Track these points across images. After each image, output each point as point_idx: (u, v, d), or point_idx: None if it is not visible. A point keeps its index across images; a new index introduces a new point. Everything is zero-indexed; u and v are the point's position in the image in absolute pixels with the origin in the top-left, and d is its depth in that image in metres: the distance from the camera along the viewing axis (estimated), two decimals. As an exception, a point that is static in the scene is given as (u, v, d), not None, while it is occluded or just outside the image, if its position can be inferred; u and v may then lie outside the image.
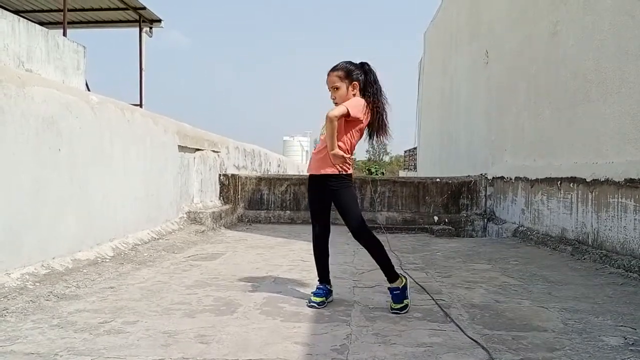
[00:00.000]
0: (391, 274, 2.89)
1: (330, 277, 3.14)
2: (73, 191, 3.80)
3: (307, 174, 3.07)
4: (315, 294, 2.96)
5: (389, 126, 3.02)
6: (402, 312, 2.78)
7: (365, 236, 2.92)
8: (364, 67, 2.96)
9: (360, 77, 2.93)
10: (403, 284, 2.87)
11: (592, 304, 3.02)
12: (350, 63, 2.95)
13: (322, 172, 2.91)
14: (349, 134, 2.90)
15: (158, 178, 5.42)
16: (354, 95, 2.92)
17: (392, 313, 2.78)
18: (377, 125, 2.99)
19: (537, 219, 5.81)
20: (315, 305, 2.87)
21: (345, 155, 2.84)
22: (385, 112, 2.99)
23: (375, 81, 2.95)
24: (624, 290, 3.37)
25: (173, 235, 5.41)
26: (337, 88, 2.92)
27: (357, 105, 2.84)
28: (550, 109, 5.71)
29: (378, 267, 2.95)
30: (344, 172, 2.89)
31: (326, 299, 2.96)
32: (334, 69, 2.95)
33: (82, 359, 2.07)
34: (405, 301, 2.84)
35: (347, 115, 2.79)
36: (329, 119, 2.75)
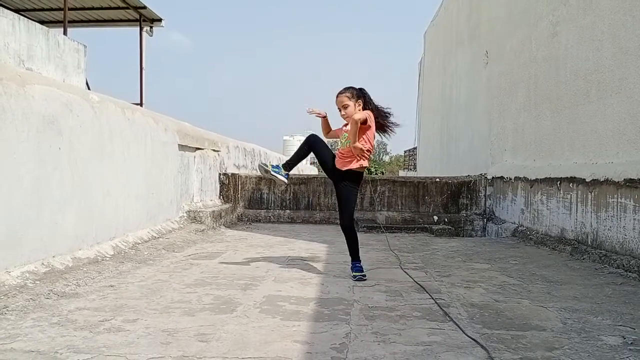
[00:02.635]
0: (356, 254, 3.74)
1: (331, 277, 3.72)
2: (73, 190, 3.81)
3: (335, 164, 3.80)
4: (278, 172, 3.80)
5: (394, 122, 3.91)
6: (364, 278, 3.57)
7: (349, 229, 3.75)
8: (362, 90, 3.78)
9: (361, 97, 3.74)
10: (361, 261, 3.76)
11: (591, 304, 3.02)
12: (353, 87, 3.76)
13: (346, 168, 3.69)
14: (365, 136, 3.68)
15: (158, 177, 5.43)
16: (359, 110, 3.69)
17: (355, 280, 3.56)
18: (385, 124, 3.85)
19: (537, 219, 5.81)
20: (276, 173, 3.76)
21: (363, 147, 3.63)
22: (388, 114, 3.86)
23: (371, 100, 3.80)
24: (623, 290, 3.38)
25: (173, 234, 5.42)
26: (347, 106, 3.69)
27: (369, 115, 3.65)
28: (550, 109, 5.72)
29: (377, 266, 3.80)
30: (361, 169, 3.71)
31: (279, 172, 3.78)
32: (343, 91, 3.73)
33: (82, 356, 2.07)
34: (363, 271, 3.67)
35: (365, 122, 3.60)
36: (354, 121, 3.54)
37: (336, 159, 3.78)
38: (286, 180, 3.84)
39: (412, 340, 2.33)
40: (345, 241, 3.81)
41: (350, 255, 3.77)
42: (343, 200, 3.76)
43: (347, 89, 3.75)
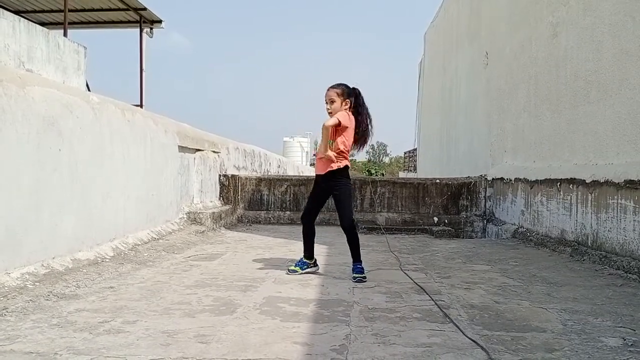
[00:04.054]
0: (358, 256, 3.73)
1: (330, 278, 3.72)
2: (73, 191, 3.81)
3: (315, 174, 3.91)
4: (296, 264, 3.87)
5: (371, 133, 3.89)
6: (364, 280, 3.58)
7: (350, 229, 3.75)
8: (355, 91, 3.78)
9: (351, 97, 3.74)
10: (362, 263, 3.75)
11: (591, 305, 3.02)
12: (346, 85, 3.76)
13: (328, 169, 3.72)
14: (342, 137, 3.70)
15: (158, 178, 5.43)
16: (345, 109, 3.71)
17: (355, 281, 3.56)
18: (362, 133, 3.82)
19: (537, 220, 5.81)
20: (289, 272, 3.81)
21: (332, 155, 3.66)
22: (371, 125, 3.85)
23: (363, 103, 3.80)
24: (623, 292, 3.37)
25: (173, 235, 5.41)
26: (333, 101, 3.69)
27: (343, 116, 3.65)
28: (550, 110, 5.72)
29: (377, 268, 3.88)
30: (340, 166, 3.72)
31: (301, 269, 3.82)
32: (334, 86, 3.73)
33: (81, 358, 2.07)
34: (364, 273, 3.67)
35: (338, 124, 3.62)
36: (324, 127, 3.60)
37: (316, 163, 3.87)
38: (318, 268, 3.93)
39: (412, 342, 2.33)
40: (345, 242, 3.81)
41: (352, 256, 3.75)
42: (339, 201, 3.79)
43: (339, 85, 3.75)
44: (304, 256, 3.88)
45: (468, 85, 9.68)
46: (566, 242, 5.01)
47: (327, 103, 3.74)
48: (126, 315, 2.65)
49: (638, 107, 4.09)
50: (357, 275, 3.64)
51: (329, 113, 3.73)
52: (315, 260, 3.93)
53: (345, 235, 3.80)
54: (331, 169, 3.72)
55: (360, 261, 3.74)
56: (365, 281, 3.59)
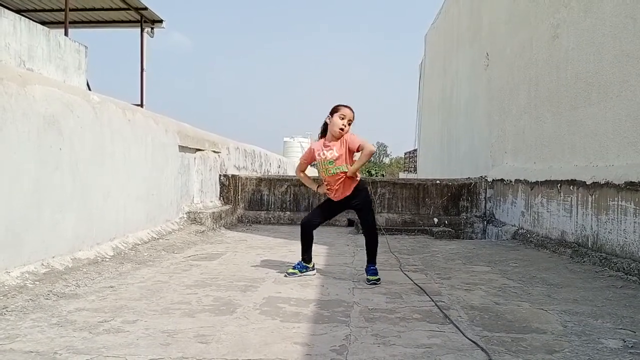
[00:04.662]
0: (373, 257, 3.74)
1: (330, 278, 3.72)
2: (74, 190, 3.81)
3: (334, 199, 3.84)
4: (294, 267, 3.84)
5: None
6: (378, 283, 3.55)
7: (371, 228, 3.80)
8: None
9: None
10: (377, 264, 3.76)
11: (591, 307, 3.02)
12: None
13: (353, 188, 3.77)
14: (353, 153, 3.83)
15: (159, 178, 5.43)
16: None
17: (370, 284, 3.53)
18: None
19: (537, 222, 5.81)
20: (287, 274, 3.77)
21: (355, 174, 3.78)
22: None
23: None
24: (624, 293, 3.37)
25: (173, 235, 5.41)
26: (351, 123, 3.77)
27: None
28: (550, 112, 5.72)
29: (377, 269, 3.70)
30: (359, 178, 3.84)
31: (300, 272, 3.80)
32: (353, 112, 3.80)
33: (81, 357, 2.07)
34: (378, 275, 3.63)
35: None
36: (370, 153, 3.72)
37: (333, 192, 3.78)
38: (315, 272, 3.89)
39: (412, 343, 2.33)
40: (345, 243, 3.81)
41: (369, 257, 3.73)
42: (365, 211, 3.81)
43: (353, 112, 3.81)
44: (303, 259, 3.86)
45: (469, 86, 9.68)
46: (566, 243, 5.00)
47: (344, 118, 3.70)
48: (126, 315, 2.65)
49: (639, 109, 4.09)
50: (371, 277, 3.59)
51: (340, 129, 3.69)
52: (314, 264, 3.91)
53: (345, 236, 3.79)
54: (356, 185, 3.78)
55: (375, 262, 3.72)
56: (379, 284, 3.55)
